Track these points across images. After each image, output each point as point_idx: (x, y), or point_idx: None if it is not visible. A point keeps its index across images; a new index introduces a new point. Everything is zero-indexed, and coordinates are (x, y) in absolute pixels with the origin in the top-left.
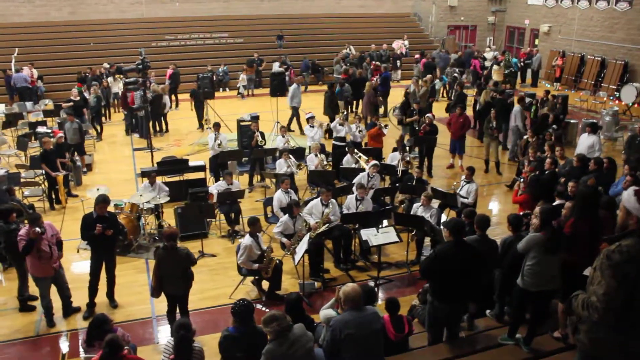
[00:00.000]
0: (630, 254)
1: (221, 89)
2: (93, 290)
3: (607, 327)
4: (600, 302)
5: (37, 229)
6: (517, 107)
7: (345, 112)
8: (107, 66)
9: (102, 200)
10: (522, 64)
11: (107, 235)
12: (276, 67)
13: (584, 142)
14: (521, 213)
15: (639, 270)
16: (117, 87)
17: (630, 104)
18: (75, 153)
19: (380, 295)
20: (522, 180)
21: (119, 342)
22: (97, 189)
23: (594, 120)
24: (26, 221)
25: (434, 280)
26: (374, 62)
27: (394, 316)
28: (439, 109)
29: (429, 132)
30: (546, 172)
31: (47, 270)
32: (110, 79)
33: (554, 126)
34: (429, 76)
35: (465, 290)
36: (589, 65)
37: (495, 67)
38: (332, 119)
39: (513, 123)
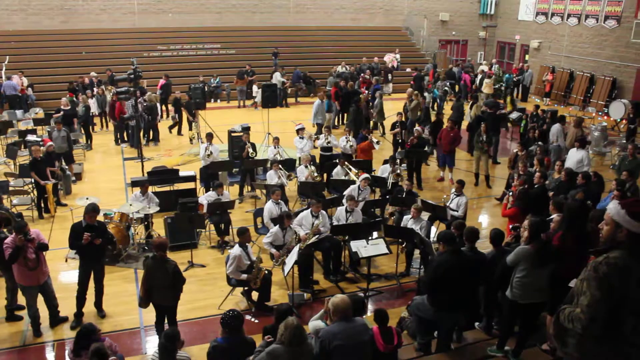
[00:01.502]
0: (618, 266)
1: (212, 100)
2: (81, 299)
3: (595, 339)
4: (584, 313)
5: (22, 237)
6: (557, 125)
7: (329, 128)
8: (95, 75)
9: (92, 209)
10: (514, 79)
11: (96, 245)
12: (278, 77)
13: (573, 157)
14: (510, 226)
15: (626, 282)
16: (109, 96)
17: (619, 120)
18: (63, 161)
19: (370, 307)
20: (511, 193)
21: (105, 351)
22: (87, 199)
23: (583, 135)
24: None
25: (435, 289)
26: (362, 74)
27: (383, 328)
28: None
29: (417, 145)
30: (535, 186)
31: (33, 279)
32: (103, 87)
33: (539, 143)
34: (409, 90)
35: (464, 298)
36: (578, 81)
37: (486, 80)
38: (355, 134)
39: (556, 143)
